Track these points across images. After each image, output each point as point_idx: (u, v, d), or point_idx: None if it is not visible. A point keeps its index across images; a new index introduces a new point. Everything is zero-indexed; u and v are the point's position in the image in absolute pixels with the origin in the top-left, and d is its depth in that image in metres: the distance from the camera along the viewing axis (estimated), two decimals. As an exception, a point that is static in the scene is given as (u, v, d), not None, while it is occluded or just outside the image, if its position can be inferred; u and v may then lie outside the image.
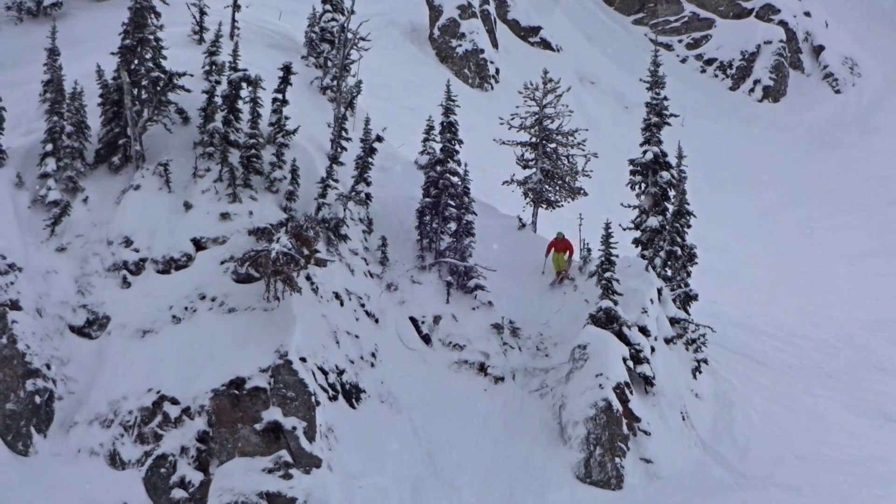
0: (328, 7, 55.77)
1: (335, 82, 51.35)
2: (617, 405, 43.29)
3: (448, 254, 48.92)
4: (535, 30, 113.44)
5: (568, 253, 50.32)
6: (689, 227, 51.89)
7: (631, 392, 44.33)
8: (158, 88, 44.74)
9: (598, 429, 42.65)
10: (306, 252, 40.98)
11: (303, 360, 39.93)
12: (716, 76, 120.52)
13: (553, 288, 50.00)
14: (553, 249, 50.45)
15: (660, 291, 49.54)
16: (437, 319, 47.52)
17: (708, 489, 41.98)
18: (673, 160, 51.44)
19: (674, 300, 50.90)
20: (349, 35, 50.28)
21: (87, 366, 39.88)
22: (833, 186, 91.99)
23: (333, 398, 41.07)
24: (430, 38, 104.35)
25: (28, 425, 37.71)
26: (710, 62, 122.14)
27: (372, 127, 47.96)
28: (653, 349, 46.72)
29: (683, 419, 45.75)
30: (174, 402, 38.84)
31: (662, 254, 51.12)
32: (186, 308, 41.22)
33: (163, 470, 37.96)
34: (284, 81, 44.53)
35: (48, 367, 39.00)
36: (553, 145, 56.54)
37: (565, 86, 57.88)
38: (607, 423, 42.77)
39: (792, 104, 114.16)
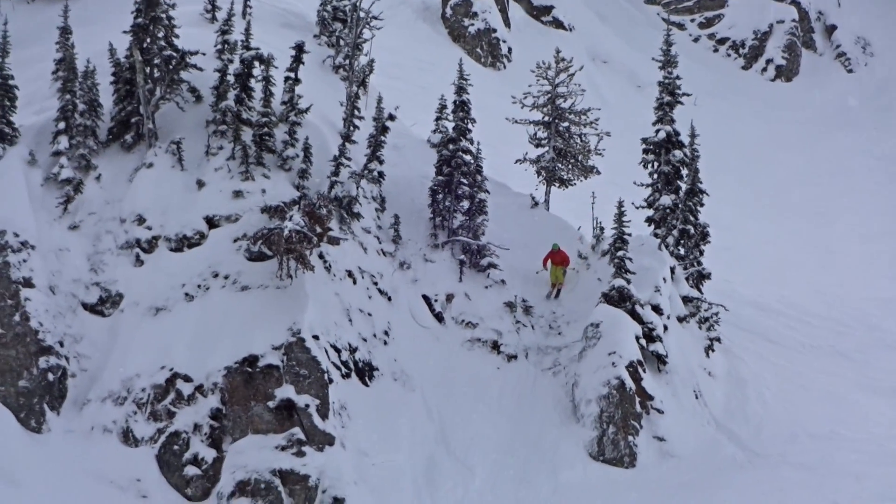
0: (340, -14, 55.69)
1: (347, 61, 51.05)
2: (630, 383, 43.17)
3: (461, 232, 48.81)
4: (548, 9, 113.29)
5: (565, 263, 49.12)
6: (701, 205, 51.76)
7: (644, 370, 44.22)
8: (171, 67, 44.52)
9: (611, 407, 42.52)
10: (319, 230, 40.78)
11: (315, 337, 39.73)
12: (728, 55, 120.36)
13: (549, 299, 49.03)
14: (550, 262, 49.08)
15: (672, 270, 49.41)
16: (449, 297, 47.38)
17: (721, 467, 41.88)
18: (685, 139, 51.35)
19: (687, 279, 50.76)
20: (361, 14, 49.96)
21: (100, 343, 39.73)
22: (846, 165, 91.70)
23: (346, 376, 40.94)
24: (443, 17, 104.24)
25: (41, 402, 37.55)
26: (722, 41, 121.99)
27: (384, 105, 47.83)
28: (666, 327, 46.58)
29: (696, 397, 45.60)
30: (187, 379, 38.71)
31: (675, 232, 51.07)
32: (199, 286, 41.04)
33: (176, 447, 37.84)
34: (297, 60, 44.25)
35: (61, 344, 38.86)
36: (566, 124, 56.36)
37: (578, 65, 57.63)
38: (620, 402, 42.65)
39: (804, 83, 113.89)
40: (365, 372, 42.14)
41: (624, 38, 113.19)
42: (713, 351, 49.00)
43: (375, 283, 45.36)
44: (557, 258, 48.44)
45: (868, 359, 52.87)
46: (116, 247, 41.91)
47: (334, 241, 42.67)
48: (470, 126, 49.60)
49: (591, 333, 44.69)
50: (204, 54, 45.10)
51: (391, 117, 46.08)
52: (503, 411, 43.67)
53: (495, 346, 46.37)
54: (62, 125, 42.71)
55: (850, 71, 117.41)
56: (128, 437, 38.06)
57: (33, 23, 54.15)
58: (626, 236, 46.60)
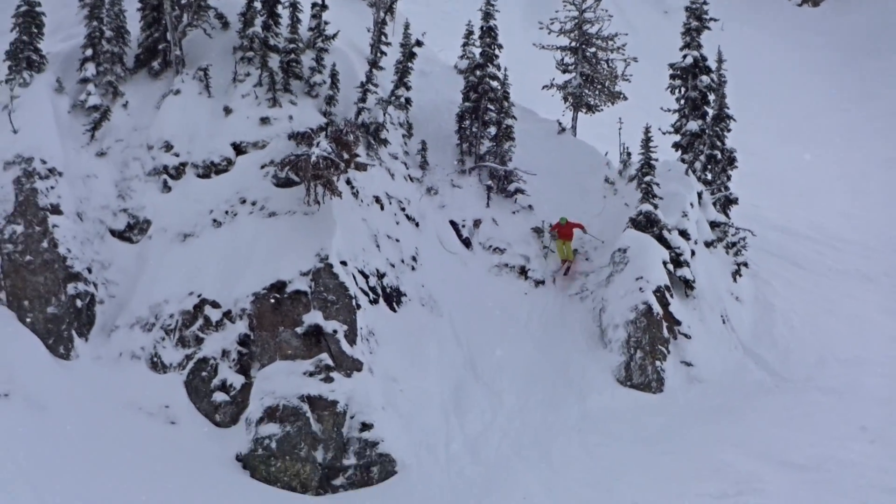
0: (367, -90, 54.69)
1: (374, -13, 50.36)
2: (657, 308, 42.71)
3: (488, 158, 48.21)
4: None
5: (574, 230, 46.16)
6: (728, 131, 50.86)
7: (671, 295, 43.69)
8: (197, -7, 43.97)
9: (639, 332, 42.13)
10: (346, 156, 40.06)
11: (343, 263, 39.30)
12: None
13: (561, 276, 46.40)
14: (557, 234, 46.07)
15: (700, 195, 48.63)
16: (477, 223, 46.89)
17: (748, 392, 41.36)
18: (713, 64, 50.47)
19: (714, 204, 49.95)
20: (388, -62, 49.28)
21: (127, 270, 39.46)
22: (874, 91, 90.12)
23: (374, 301, 40.49)
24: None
25: (69, 329, 37.28)
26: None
27: (411, 32, 47.03)
28: (693, 252, 45.94)
29: (724, 322, 45.03)
30: (215, 305, 38.42)
31: (702, 158, 50.32)
32: (227, 212, 40.65)
33: (204, 373, 37.63)
34: (324, -14, 43.64)
35: (89, 270, 38.55)
36: (593, 50, 55.40)
37: (604, -10, 56.83)
38: (647, 327, 42.23)
39: (832, 8, 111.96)
40: (393, 297, 41.66)
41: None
42: (740, 276, 48.24)
43: (403, 209, 44.81)
44: (565, 231, 45.65)
45: (895, 282, 52.10)
46: (144, 173, 41.53)
47: (361, 167, 41.90)
48: (497, 52, 48.87)
49: (619, 259, 44.18)
50: (231, -20, 44.47)
51: (418, 43, 45.55)
52: (531, 336, 43.29)
53: (523, 272, 45.91)
54: (89, 52, 42.09)
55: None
56: (156, 364, 37.85)
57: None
58: (653, 162, 45.99)
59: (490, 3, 48.90)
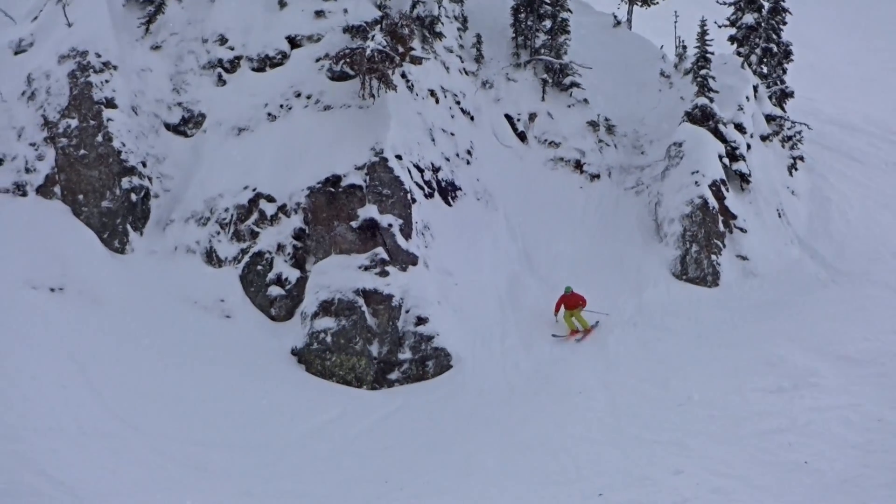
0: None
1: None
2: (713, 202, 41.30)
3: (543, 51, 46.30)
4: None
5: (581, 305, 37.94)
6: (784, 23, 48.92)
7: (727, 189, 42.22)
8: None
9: (694, 226, 40.74)
10: (401, 49, 38.53)
11: (398, 157, 37.96)
12: None
13: (573, 342, 37.46)
14: (563, 307, 37.93)
15: (755, 89, 46.84)
16: (532, 117, 45.24)
17: (804, 286, 39.81)
18: (769, -45, 48.44)
19: (769, 97, 48.19)
20: None
21: (182, 163, 38.38)
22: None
23: (429, 195, 39.14)
24: None
25: (124, 223, 36.28)
26: None
27: (464, -77, 45.32)
28: (749, 146, 44.45)
29: (779, 216, 43.46)
30: (270, 199, 37.30)
31: (758, 51, 48.60)
32: (282, 106, 39.34)
33: (259, 267, 36.58)
34: None
35: (144, 164, 37.42)
36: (648, -60, 53.65)
37: None
38: (703, 221, 40.84)
39: None
40: (448, 191, 40.27)
41: None
42: (796, 170, 46.60)
43: (458, 103, 43.27)
44: (571, 302, 37.91)
45: (951, 175, 50.31)
46: (199, 67, 40.30)
47: (416, 61, 40.42)
48: (551, -57, 46.83)
49: (674, 152, 42.64)
50: None
51: (472, -65, 43.84)
52: (586, 230, 42.05)
53: (578, 166, 44.36)
54: (143, -55, 40.61)
55: None
56: (211, 258, 36.84)
57: None
58: (708, 55, 44.34)
59: None
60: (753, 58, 48.55)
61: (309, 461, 29.10)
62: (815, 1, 77.58)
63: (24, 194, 36.02)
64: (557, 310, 37.81)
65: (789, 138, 47.35)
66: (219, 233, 37.01)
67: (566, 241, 41.32)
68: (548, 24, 46.74)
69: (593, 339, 36.49)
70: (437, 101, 42.12)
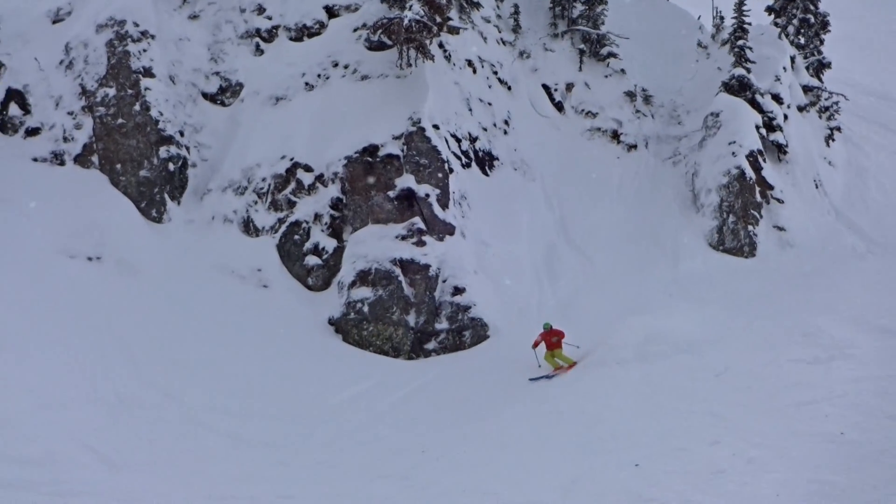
0: None
1: None
2: (750, 173, 40.48)
3: (581, 21, 45.56)
4: None
5: (558, 339, 32.65)
6: (822, -6, 47.81)
7: (764, 160, 41.38)
8: None
9: (731, 196, 39.99)
10: (439, 19, 37.72)
11: (436, 126, 37.18)
12: None
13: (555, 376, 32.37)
14: (543, 345, 32.82)
15: (793, 59, 46.05)
16: (569, 87, 44.48)
17: (841, 256, 39.14)
18: (808, -77, 47.33)
19: (807, 68, 47.36)
20: None
21: (220, 133, 37.92)
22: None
23: (466, 165, 38.34)
24: None
25: (162, 192, 35.82)
26: None
27: None
28: (786, 117, 43.60)
29: (816, 187, 42.62)
30: (307, 169, 36.65)
31: (795, 21, 47.99)
32: (319, 75, 38.75)
33: (296, 237, 35.97)
34: None
35: (181, 134, 36.91)
36: None
37: None
38: (740, 191, 40.10)
39: None
40: (485, 161, 39.46)
41: None
42: (833, 140, 45.84)
43: (495, 73, 42.47)
44: (551, 339, 32.67)
45: None
46: (236, 36, 39.86)
47: (454, 31, 39.81)
48: (590, -88, 45.78)
49: (711, 123, 41.84)
50: None
51: None
52: (623, 201, 41.36)
53: (615, 136, 43.56)
54: (196, -87, 39.96)
55: None
56: (248, 227, 36.29)
57: None
58: (746, 25, 43.55)
59: None
60: (791, 28, 47.92)
61: (345, 431, 28.42)
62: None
63: (62, 163, 35.58)
64: (536, 345, 32.43)
65: (826, 109, 46.61)
66: (256, 202, 36.48)
67: (603, 212, 40.69)
68: (586, -7, 45.79)
69: (631, 310, 35.61)
70: (474, 71, 41.34)
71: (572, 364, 32.40)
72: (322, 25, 40.17)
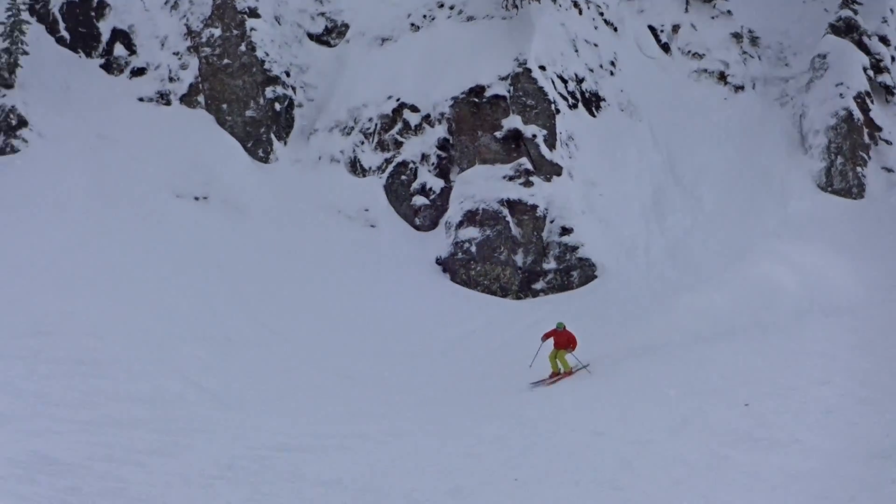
0: None
1: None
2: (857, 114, 39.08)
3: (687, -38, 43.87)
4: None
5: (571, 347, 28.45)
6: (932, -67, 45.92)
7: (871, 101, 39.91)
8: None
9: (839, 138, 38.65)
10: (543, -41, 36.78)
11: (542, 67, 36.09)
12: None
13: (542, 386, 28.07)
14: (552, 342, 28.83)
15: (901, 0, 44.08)
16: (675, 28, 42.94)
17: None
18: None
19: (916, 8, 45.48)
20: None
21: (326, 73, 37.26)
22: None
23: (573, 106, 37.12)
24: None
25: (268, 132, 35.19)
26: None
27: None
28: (893, 58, 42.03)
29: (926, 128, 40.96)
30: (414, 109, 35.83)
31: (904, -39, 45.48)
32: (425, 16, 37.94)
33: (403, 177, 35.20)
34: None
35: (287, 74, 36.22)
36: None
37: None
38: (848, 133, 38.74)
39: None
40: (592, 102, 38.20)
41: None
42: (943, 77, 43.92)
43: (601, 14, 41.17)
44: (561, 339, 28.66)
45: None
46: (342, -24, 38.83)
47: (560, -29, 38.59)
48: None
49: (818, 64, 40.44)
50: None
51: None
52: (730, 142, 39.99)
53: (722, 77, 42.02)
54: None
55: None
56: (355, 167, 35.52)
57: None
58: (853, -35, 41.54)
59: None
60: (899, -32, 45.35)
61: (454, 370, 27.60)
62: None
63: (168, 103, 35.12)
64: (546, 338, 28.53)
65: (936, 49, 44.42)
66: (363, 142, 35.74)
67: (710, 153, 39.50)
68: (692, -66, 44.27)
69: (742, 249, 34.24)
70: (580, 12, 40.01)
71: (570, 371, 28.47)
72: (428, -35, 38.91)
